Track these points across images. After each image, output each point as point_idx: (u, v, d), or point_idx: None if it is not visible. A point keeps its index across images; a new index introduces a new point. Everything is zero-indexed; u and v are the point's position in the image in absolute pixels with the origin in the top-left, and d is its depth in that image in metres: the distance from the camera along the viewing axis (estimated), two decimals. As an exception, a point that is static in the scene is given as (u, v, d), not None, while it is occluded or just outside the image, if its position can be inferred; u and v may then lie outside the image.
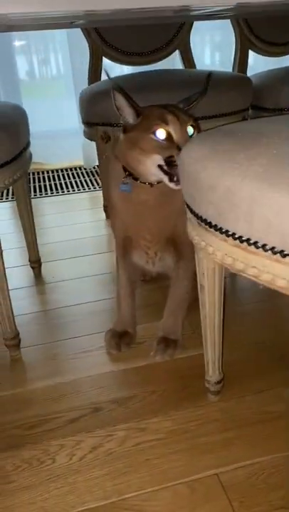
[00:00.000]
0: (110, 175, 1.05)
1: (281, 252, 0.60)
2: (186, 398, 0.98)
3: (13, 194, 2.31)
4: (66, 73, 2.66)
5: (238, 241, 0.65)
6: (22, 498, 0.80)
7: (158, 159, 0.92)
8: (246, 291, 1.38)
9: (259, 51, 1.77)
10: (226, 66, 2.93)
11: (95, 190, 2.32)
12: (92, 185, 2.40)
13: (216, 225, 0.68)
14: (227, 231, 0.66)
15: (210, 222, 0.69)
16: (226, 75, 1.47)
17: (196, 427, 0.91)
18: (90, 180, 2.48)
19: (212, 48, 2.84)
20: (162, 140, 0.91)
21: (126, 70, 2.17)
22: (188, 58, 1.81)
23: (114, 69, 2.16)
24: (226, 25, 2.31)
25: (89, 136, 1.53)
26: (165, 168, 0.92)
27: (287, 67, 1.60)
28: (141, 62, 1.80)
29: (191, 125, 0.93)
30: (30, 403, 1.00)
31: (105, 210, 1.99)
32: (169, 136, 0.91)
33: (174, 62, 2.06)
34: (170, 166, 0.91)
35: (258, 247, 0.62)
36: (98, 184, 2.38)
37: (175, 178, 0.90)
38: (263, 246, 0.61)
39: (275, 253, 0.60)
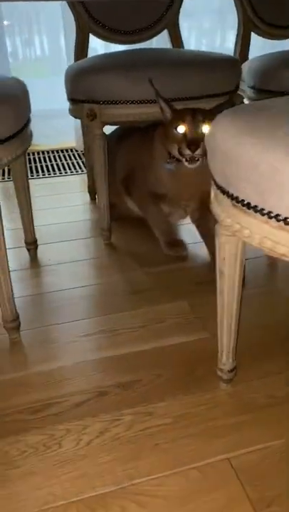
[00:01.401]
0: (155, 155, 1.36)
1: None
2: (193, 382, 0.97)
3: (3, 175, 2.25)
4: (57, 52, 2.58)
5: (282, 223, 0.60)
6: (29, 483, 0.78)
7: (176, 147, 1.24)
8: (249, 274, 1.36)
9: (262, 33, 1.73)
10: (219, 50, 2.91)
11: (84, 173, 2.25)
12: (85, 167, 2.34)
13: (256, 206, 0.63)
14: (270, 212, 0.62)
15: (248, 203, 0.65)
16: (214, 56, 1.43)
17: (204, 411, 0.90)
18: (83, 162, 2.42)
19: (199, 32, 2.79)
20: (181, 134, 1.21)
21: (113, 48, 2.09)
22: (176, 38, 1.76)
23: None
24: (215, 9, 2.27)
25: (74, 113, 1.47)
26: (182, 153, 1.22)
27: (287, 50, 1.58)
28: (128, 40, 1.74)
29: (207, 124, 1.19)
30: (33, 387, 0.97)
31: (89, 191, 1.94)
32: (185, 132, 1.21)
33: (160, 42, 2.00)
34: (182, 155, 1.22)
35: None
36: (90, 166, 2.33)
37: (188, 161, 1.22)
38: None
39: None
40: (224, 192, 0.71)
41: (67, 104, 1.51)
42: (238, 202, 0.67)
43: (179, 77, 1.32)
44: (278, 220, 0.61)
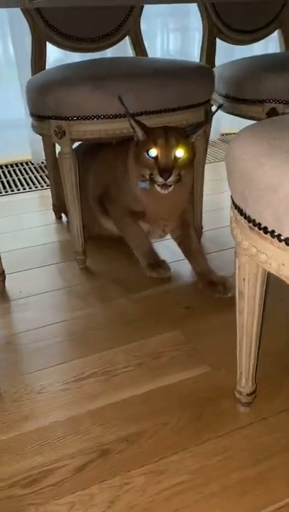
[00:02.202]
0: (130, 172, 1.27)
1: None
2: (204, 428, 0.88)
3: None
4: (7, 58, 2.42)
5: None
6: None
7: (147, 172, 1.17)
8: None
9: (226, 39, 1.67)
10: (174, 56, 2.85)
11: (44, 189, 2.11)
12: (44, 182, 2.20)
13: (273, 231, 0.60)
14: (287, 238, 0.58)
15: (265, 228, 0.61)
16: (186, 64, 1.35)
17: (222, 462, 0.81)
18: (41, 176, 2.28)
19: (163, 36, 2.72)
20: (152, 158, 1.14)
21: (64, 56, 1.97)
22: (139, 45, 1.68)
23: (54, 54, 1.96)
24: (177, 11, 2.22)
25: (39, 130, 1.34)
26: (154, 179, 1.16)
27: (263, 55, 1.53)
28: (89, 48, 1.63)
29: (181, 148, 1.13)
30: (23, 452, 0.85)
31: (54, 211, 1.81)
32: (157, 156, 1.13)
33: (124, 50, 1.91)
34: (153, 181, 1.16)
35: None
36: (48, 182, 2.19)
37: (160, 187, 1.16)
38: None
39: None
40: (242, 213, 0.68)
41: (19, 114, 1.38)
42: (254, 225, 0.64)
43: (152, 88, 1.23)
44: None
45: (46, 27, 1.52)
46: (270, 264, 0.63)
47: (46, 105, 1.25)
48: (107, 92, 1.20)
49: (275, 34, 1.81)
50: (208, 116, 1.39)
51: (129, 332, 1.14)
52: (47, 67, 1.56)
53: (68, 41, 1.56)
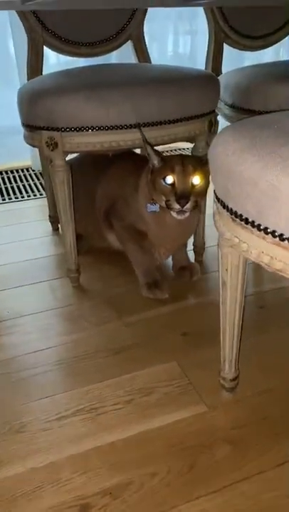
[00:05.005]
0: (140, 193, 1.24)
1: None
2: (196, 481, 0.79)
3: None
4: (8, 63, 2.35)
5: (278, 239, 0.63)
6: None
7: (163, 199, 1.12)
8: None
9: (234, 45, 1.58)
10: (181, 61, 2.76)
11: (43, 197, 2.01)
12: (44, 189, 2.12)
13: (253, 222, 0.65)
14: (266, 228, 0.64)
15: (246, 219, 0.66)
16: (191, 72, 1.26)
17: (215, 525, 0.72)
18: (40, 183, 2.20)
19: (170, 39, 2.63)
20: (169, 185, 1.10)
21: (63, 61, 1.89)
22: (141, 50, 1.59)
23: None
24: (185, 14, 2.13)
25: (30, 141, 1.26)
26: (170, 206, 1.11)
27: (273, 62, 1.44)
28: (88, 53, 1.55)
29: (198, 175, 1.10)
30: (-4, 503, 0.77)
31: (51, 222, 1.74)
32: (174, 183, 1.10)
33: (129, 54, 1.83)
34: (169, 208, 1.11)
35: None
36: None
37: (177, 213, 1.11)
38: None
39: None
40: (224, 206, 0.73)
41: (19, 120, 1.29)
42: (236, 216, 0.69)
43: (154, 97, 1.14)
44: (274, 236, 0.63)
45: (43, 30, 1.44)
46: (251, 252, 0.68)
47: (37, 115, 1.17)
48: (103, 102, 1.12)
49: (286, 40, 1.72)
50: (213, 127, 1.30)
51: (121, 362, 1.06)
52: (48, 71, 1.48)
53: (66, 45, 1.48)
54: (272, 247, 0.65)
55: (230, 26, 1.54)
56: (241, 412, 0.92)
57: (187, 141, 1.28)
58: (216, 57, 1.55)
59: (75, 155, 1.42)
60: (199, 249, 1.46)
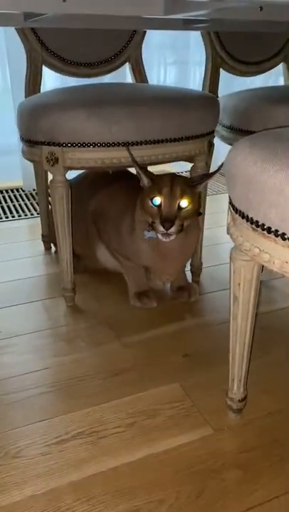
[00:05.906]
0: (136, 220, 1.20)
1: None
2: (206, 508, 0.75)
3: None
4: (2, 82, 2.36)
5: None
6: None
7: (150, 220, 1.11)
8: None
9: (231, 70, 1.61)
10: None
11: (34, 217, 2.00)
12: (34, 209, 2.10)
13: (276, 230, 0.64)
14: None
15: (269, 228, 0.65)
16: (190, 93, 1.28)
17: None
18: (31, 204, 2.18)
19: (160, 68, 2.68)
20: (156, 206, 1.09)
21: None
22: (140, 72, 1.61)
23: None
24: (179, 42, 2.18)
25: (29, 156, 1.24)
26: (155, 227, 1.10)
27: (267, 87, 1.47)
28: (87, 74, 1.56)
29: (186, 199, 1.08)
30: (-9, 535, 0.71)
31: (44, 241, 1.71)
32: (160, 205, 1.08)
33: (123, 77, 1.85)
34: (154, 229, 1.10)
35: None
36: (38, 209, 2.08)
37: (162, 235, 1.09)
38: None
39: None
40: (243, 216, 0.71)
41: (11, 139, 1.28)
42: (257, 226, 0.68)
43: (157, 116, 1.14)
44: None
45: (42, 49, 1.44)
46: (274, 262, 0.67)
47: (39, 129, 1.15)
48: (105, 118, 1.11)
49: (278, 67, 1.76)
50: (211, 148, 1.30)
51: (121, 384, 1.02)
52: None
53: (65, 65, 1.48)
54: None
55: (227, 52, 1.58)
56: (249, 434, 0.89)
57: (186, 160, 1.28)
58: (212, 81, 1.57)
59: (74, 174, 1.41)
60: (196, 269, 1.44)
